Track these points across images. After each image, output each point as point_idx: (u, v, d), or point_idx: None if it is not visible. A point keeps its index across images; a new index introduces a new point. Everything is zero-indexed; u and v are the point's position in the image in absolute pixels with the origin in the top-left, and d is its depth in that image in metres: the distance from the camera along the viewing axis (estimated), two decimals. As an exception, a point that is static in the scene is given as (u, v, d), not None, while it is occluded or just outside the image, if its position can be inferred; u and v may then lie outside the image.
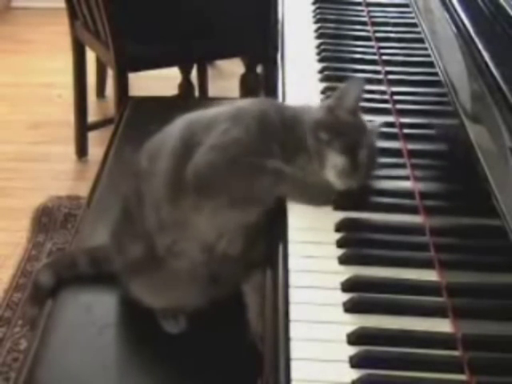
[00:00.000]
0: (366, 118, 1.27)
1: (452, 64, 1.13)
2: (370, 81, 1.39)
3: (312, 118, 1.12)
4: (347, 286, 0.95)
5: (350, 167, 1.07)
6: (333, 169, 1.08)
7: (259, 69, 2.79)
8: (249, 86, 2.75)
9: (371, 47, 1.52)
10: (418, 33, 1.34)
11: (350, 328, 0.89)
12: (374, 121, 1.20)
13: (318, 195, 1.09)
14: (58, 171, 2.85)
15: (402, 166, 1.17)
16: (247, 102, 1.22)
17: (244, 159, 1.09)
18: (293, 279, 0.96)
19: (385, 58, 1.46)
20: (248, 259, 1.17)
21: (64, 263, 1.42)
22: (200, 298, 1.23)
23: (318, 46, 1.54)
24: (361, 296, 0.93)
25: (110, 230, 1.30)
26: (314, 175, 1.10)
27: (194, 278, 1.20)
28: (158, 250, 1.18)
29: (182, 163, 1.13)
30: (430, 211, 1.06)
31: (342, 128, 1.09)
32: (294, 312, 0.91)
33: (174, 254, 1.17)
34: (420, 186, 1.11)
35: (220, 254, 1.15)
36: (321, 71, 1.45)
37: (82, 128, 2.90)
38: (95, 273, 1.36)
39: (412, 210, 1.08)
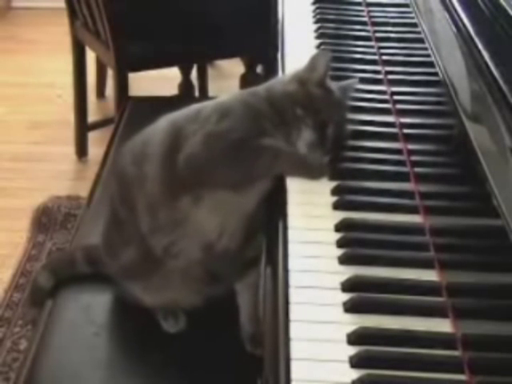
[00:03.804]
0: (366, 117, 1.28)
1: (452, 64, 1.14)
2: (370, 81, 1.40)
3: (286, 91, 1.14)
4: (347, 286, 0.95)
5: (319, 142, 1.10)
6: (304, 142, 1.11)
7: (259, 69, 2.79)
8: (249, 85, 2.74)
9: (371, 47, 1.52)
10: (418, 33, 1.34)
11: (350, 328, 0.89)
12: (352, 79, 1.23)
13: (313, 167, 1.11)
14: (58, 171, 2.85)
15: (402, 165, 1.17)
16: (227, 96, 1.23)
17: (241, 143, 1.10)
18: (293, 279, 0.95)
19: (385, 57, 1.46)
20: (245, 255, 1.17)
21: (62, 262, 1.42)
22: (198, 296, 1.23)
23: (318, 46, 1.54)
24: (361, 296, 0.93)
25: (101, 237, 1.29)
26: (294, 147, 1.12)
27: (191, 277, 1.20)
28: (155, 252, 1.18)
29: (175, 160, 1.13)
30: (430, 211, 1.06)
31: (314, 105, 1.12)
32: (294, 312, 0.91)
33: (172, 255, 1.17)
34: (420, 186, 1.11)
35: (220, 250, 1.15)
36: (321, 71, 1.45)
37: (82, 128, 2.90)
38: (93, 271, 1.36)
39: (412, 210, 1.08)
